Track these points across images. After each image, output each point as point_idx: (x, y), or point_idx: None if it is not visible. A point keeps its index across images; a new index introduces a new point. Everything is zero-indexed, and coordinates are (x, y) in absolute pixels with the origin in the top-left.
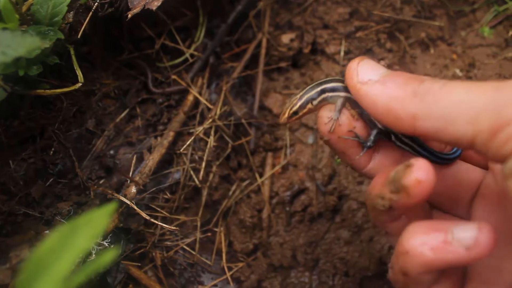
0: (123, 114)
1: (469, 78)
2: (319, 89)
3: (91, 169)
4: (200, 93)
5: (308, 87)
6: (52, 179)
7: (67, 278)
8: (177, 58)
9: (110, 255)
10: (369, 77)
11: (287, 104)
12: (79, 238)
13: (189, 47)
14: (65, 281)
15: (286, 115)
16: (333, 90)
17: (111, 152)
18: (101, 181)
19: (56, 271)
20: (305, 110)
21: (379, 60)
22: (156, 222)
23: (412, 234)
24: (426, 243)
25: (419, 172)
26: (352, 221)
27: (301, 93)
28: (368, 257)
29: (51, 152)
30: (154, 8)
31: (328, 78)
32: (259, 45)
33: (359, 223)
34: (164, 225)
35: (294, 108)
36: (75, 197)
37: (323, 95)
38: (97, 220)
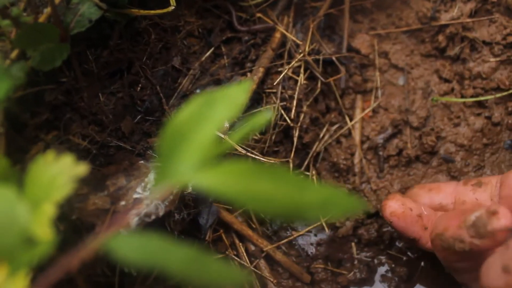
0: (208, 53)
1: None
2: None
3: (177, 107)
4: (286, 31)
5: None
6: (140, 116)
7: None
8: None
9: (265, 116)
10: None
11: None
12: (217, 110)
13: None
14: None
15: None
16: None
17: (197, 90)
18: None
19: (199, 138)
20: None
21: None
22: (253, 155)
23: None
24: None
25: (506, 220)
26: (452, 165)
27: None
28: None
29: (138, 88)
30: None
31: None
32: None
33: (458, 167)
34: (262, 158)
35: None
36: None
37: None
38: (234, 95)
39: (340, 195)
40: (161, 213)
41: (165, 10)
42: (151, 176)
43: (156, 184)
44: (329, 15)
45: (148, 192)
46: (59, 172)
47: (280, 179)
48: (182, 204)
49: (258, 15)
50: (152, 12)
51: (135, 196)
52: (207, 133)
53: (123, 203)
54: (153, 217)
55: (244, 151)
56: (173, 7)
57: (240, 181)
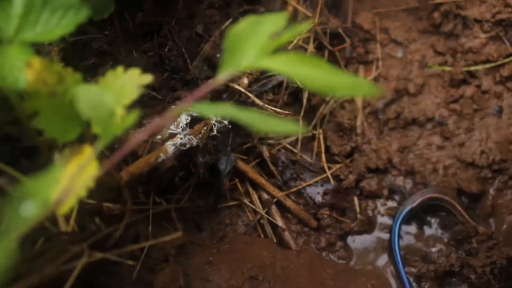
0: (227, 23)
1: None
2: None
3: (200, 69)
4: (298, 5)
5: None
6: (167, 74)
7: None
8: None
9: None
10: None
11: None
12: (265, 27)
13: None
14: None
15: None
16: None
17: (218, 55)
18: (209, 80)
19: (256, 40)
20: None
21: None
22: (269, 107)
23: None
24: None
25: None
26: (445, 128)
27: None
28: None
29: (166, 49)
30: None
31: None
32: None
33: (450, 129)
34: (277, 109)
35: None
36: (189, 90)
37: None
38: (276, 18)
39: (364, 81)
40: (194, 143)
41: None
42: (183, 117)
43: (223, 70)
44: None
45: (180, 129)
46: (127, 81)
47: (321, 65)
48: (205, 150)
49: None
50: None
51: (169, 131)
52: (261, 36)
53: (159, 136)
54: (188, 146)
55: (261, 103)
56: None
57: (293, 64)
